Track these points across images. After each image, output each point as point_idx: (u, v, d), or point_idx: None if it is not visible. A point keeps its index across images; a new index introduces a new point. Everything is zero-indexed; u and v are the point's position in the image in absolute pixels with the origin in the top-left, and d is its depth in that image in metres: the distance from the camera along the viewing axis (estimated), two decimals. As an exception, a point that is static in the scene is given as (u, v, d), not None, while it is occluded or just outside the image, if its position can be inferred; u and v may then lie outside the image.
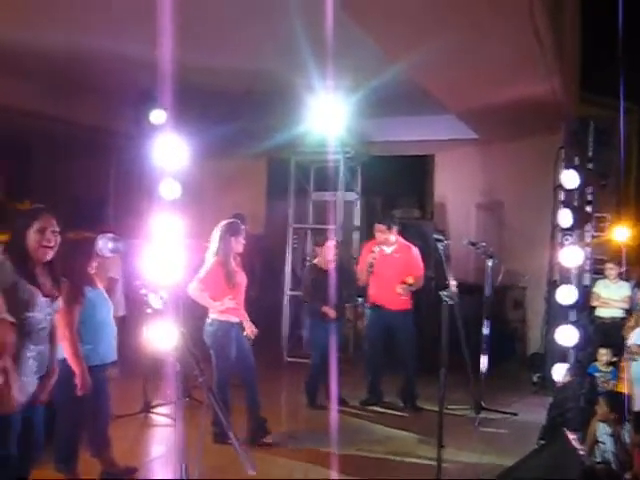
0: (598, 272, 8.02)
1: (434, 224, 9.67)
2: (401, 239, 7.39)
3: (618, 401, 5.33)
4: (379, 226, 7.24)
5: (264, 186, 11.61)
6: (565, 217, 7.21)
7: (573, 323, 7.14)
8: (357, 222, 9.84)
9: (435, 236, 5.58)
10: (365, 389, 7.34)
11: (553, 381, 7.17)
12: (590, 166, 7.60)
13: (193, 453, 2.68)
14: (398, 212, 10.33)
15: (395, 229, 7.27)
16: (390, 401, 7.30)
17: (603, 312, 7.75)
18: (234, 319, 5.83)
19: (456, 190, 10.68)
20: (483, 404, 6.88)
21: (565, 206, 7.31)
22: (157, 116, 7.16)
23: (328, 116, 7.90)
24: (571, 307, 7.19)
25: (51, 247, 3.76)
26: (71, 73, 7.58)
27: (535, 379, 8.18)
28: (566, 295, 7.18)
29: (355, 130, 9.05)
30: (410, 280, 7.15)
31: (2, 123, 8.24)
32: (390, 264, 7.20)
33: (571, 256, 7.15)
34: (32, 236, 3.69)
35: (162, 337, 6.21)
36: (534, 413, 6.71)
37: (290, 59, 6.59)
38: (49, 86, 8.00)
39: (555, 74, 7.03)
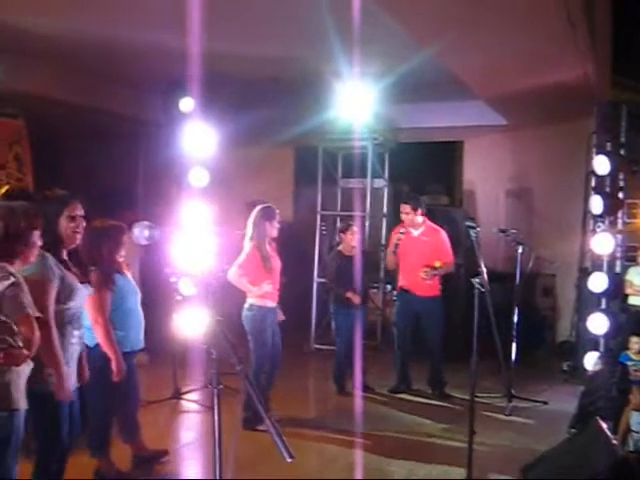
0: (630, 259, 7.90)
1: (464, 211, 9.60)
2: (429, 222, 7.24)
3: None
4: (404, 206, 7.11)
5: (292, 173, 11.61)
6: (596, 203, 7.15)
7: (604, 311, 7.09)
8: (385, 209, 9.80)
9: (467, 223, 5.52)
10: (393, 376, 7.33)
11: (584, 369, 7.13)
12: (622, 152, 7.50)
13: (227, 440, 2.69)
14: (426, 199, 10.29)
15: (421, 210, 7.09)
16: (419, 389, 7.28)
17: (636, 300, 7.62)
18: (271, 304, 5.90)
19: (485, 177, 10.59)
20: (513, 392, 6.84)
21: (596, 192, 7.24)
22: (186, 104, 7.20)
23: (356, 103, 7.88)
24: (602, 295, 7.14)
25: (80, 232, 3.81)
26: (101, 62, 7.62)
27: (565, 367, 8.11)
28: (597, 283, 7.12)
29: (383, 116, 9.01)
30: (437, 264, 6.98)
31: (33, 112, 8.31)
32: (417, 247, 7.07)
33: (603, 243, 7.09)
34: (64, 223, 3.73)
35: (192, 324, 6.30)
36: (564, 402, 6.65)
37: (318, 46, 6.56)
38: (79, 75, 8.05)
39: (587, 58, 6.93)
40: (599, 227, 7.13)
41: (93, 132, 9.70)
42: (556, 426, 5.92)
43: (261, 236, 5.84)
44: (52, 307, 3.50)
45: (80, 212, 3.80)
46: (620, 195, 7.57)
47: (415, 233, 7.14)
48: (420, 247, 7.07)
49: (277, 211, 5.98)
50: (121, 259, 4.69)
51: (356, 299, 6.99)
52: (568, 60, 6.86)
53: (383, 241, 9.31)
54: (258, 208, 5.91)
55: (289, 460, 2.08)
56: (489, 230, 7.42)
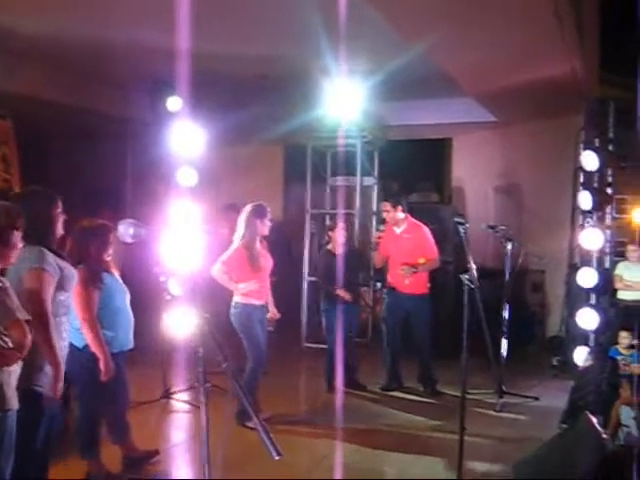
0: (619, 254, 7.93)
1: (453, 208, 9.60)
2: (411, 218, 7.19)
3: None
4: (384, 204, 7.17)
5: (281, 172, 11.59)
6: (585, 199, 7.17)
7: (593, 306, 7.11)
8: (375, 207, 9.79)
9: (456, 219, 5.52)
10: (384, 374, 7.32)
11: (574, 365, 7.16)
12: (610, 147, 7.53)
13: (217, 439, 2.68)
14: (416, 196, 10.29)
15: (401, 207, 7.06)
16: (411, 386, 7.28)
17: (625, 295, 7.66)
18: (257, 302, 5.86)
19: (474, 173, 10.61)
20: (504, 388, 6.85)
21: (585, 188, 7.26)
22: (173, 103, 7.18)
23: (344, 100, 7.87)
24: (591, 290, 7.17)
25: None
26: (88, 62, 7.59)
27: (555, 362, 8.13)
28: (587, 278, 7.15)
29: (372, 114, 9.00)
30: (421, 261, 6.95)
31: (20, 112, 8.27)
32: (400, 245, 7.07)
33: (591, 238, 7.11)
34: (57, 216, 3.75)
35: (181, 323, 6.27)
36: (555, 397, 6.66)
37: (305, 44, 6.55)
38: (66, 75, 8.01)
39: (575, 54, 6.94)
40: (588, 222, 7.15)
41: (81, 132, 9.66)
42: (547, 421, 5.93)
43: (252, 234, 5.81)
44: (49, 302, 3.50)
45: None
46: (608, 191, 7.60)
47: (398, 230, 7.14)
48: (403, 244, 7.06)
49: (268, 209, 5.95)
50: (108, 258, 4.66)
51: (346, 296, 6.98)
52: (556, 56, 6.88)
53: (373, 239, 9.30)
54: (250, 206, 5.88)
55: (277, 458, 2.07)
56: (478, 227, 7.41)
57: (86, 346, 4.39)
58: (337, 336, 7.03)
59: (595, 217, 7.20)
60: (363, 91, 7.78)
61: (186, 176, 7.11)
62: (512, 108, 9.15)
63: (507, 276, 7.21)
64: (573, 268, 8.04)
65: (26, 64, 7.47)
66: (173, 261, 6.67)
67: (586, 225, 7.16)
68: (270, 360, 6.15)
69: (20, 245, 3.31)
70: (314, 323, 9.18)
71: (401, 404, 6.82)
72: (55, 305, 3.59)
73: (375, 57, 7.05)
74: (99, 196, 9.05)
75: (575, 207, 8.12)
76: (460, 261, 6.38)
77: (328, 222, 9.56)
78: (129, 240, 5.23)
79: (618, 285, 7.62)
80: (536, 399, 6.93)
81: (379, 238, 7.21)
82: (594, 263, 7.28)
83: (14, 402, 3.21)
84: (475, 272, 4.87)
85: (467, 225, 5.51)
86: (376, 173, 9.78)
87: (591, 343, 7.13)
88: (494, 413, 6.50)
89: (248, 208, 5.87)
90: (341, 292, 6.98)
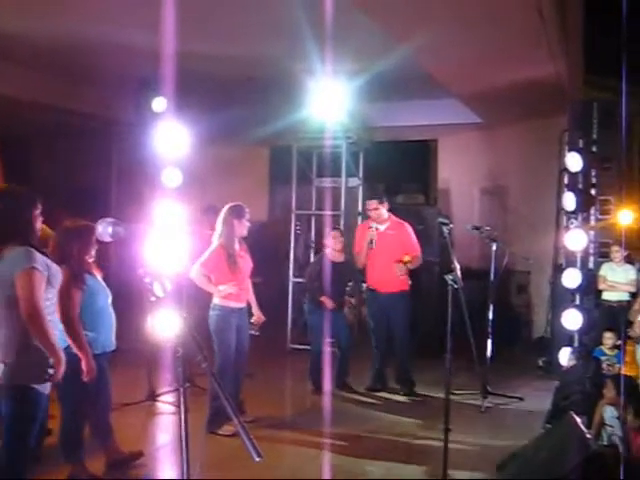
0: (603, 255, 7.96)
1: (438, 209, 9.63)
2: (393, 217, 7.21)
3: (626, 385, 5.30)
4: (371, 202, 7.12)
5: (266, 173, 11.58)
6: (569, 200, 7.19)
7: (578, 307, 7.13)
8: (360, 208, 9.78)
9: (440, 220, 5.54)
10: (371, 375, 7.31)
11: (559, 365, 7.18)
12: (594, 149, 7.56)
13: (197, 441, 2.66)
14: (402, 197, 10.31)
15: (386, 205, 7.12)
16: (396, 387, 7.27)
17: (609, 295, 7.70)
18: (235, 304, 5.75)
19: (460, 175, 10.65)
20: (489, 389, 6.86)
21: (569, 189, 7.28)
22: (158, 104, 7.12)
23: (329, 101, 7.86)
24: (576, 290, 7.19)
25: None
26: (71, 62, 7.56)
27: (540, 363, 8.17)
28: (571, 279, 7.17)
29: (357, 115, 9.00)
30: (407, 258, 6.95)
31: (2, 113, 8.21)
32: (384, 242, 7.02)
33: (576, 239, 7.13)
34: (37, 216, 3.72)
35: (166, 325, 6.22)
36: (540, 397, 6.68)
37: (290, 44, 6.55)
38: (50, 75, 7.98)
39: (559, 56, 6.99)
40: (572, 224, 7.17)
41: (65, 132, 9.60)
42: (532, 422, 5.95)
43: (229, 235, 5.74)
44: (42, 300, 3.50)
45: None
46: (592, 192, 7.63)
47: (381, 228, 7.09)
48: (387, 242, 7.03)
49: (246, 210, 5.86)
50: (91, 259, 4.64)
51: (330, 304, 6.97)
52: (540, 58, 6.92)
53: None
54: (227, 206, 5.83)
55: (257, 459, 2.06)
56: (464, 228, 7.43)
57: (68, 346, 4.36)
58: (321, 339, 7.03)
59: (579, 218, 7.23)
60: (348, 92, 7.78)
61: (171, 177, 7.07)
62: (497, 109, 9.19)
63: (492, 277, 7.23)
64: (558, 269, 8.07)
65: (9, 65, 7.42)
66: (157, 262, 6.63)
67: (570, 226, 7.19)
68: (255, 361, 6.11)
69: None
70: (300, 324, 9.17)
71: (386, 405, 6.82)
72: (46, 303, 3.59)
73: (360, 58, 7.06)
74: (83, 196, 9.00)
75: (560, 208, 8.15)
76: (445, 262, 6.39)
77: (314, 223, 9.55)
78: (108, 239, 5.20)
79: (602, 286, 7.66)
80: (521, 399, 6.95)
81: (374, 236, 7.01)
82: (578, 264, 7.31)
83: None
84: (459, 272, 4.88)
85: (451, 226, 5.53)
86: (361, 174, 9.77)
87: (576, 343, 7.15)
88: (479, 414, 6.51)
89: (225, 208, 5.80)
90: (325, 299, 6.97)
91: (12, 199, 3.71)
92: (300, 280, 8.99)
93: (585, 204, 7.35)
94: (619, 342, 6.63)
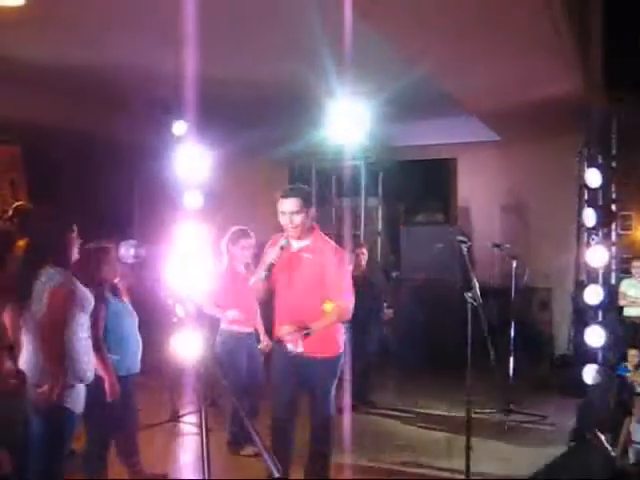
0: (625, 271, 7.92)
1: (458, 227, 9.62)
2: (321, 233, 4.53)
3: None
4: (285, 201, 4.38)
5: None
6: (590, 216, 7.16)
7: (601, 323, 7.08)
8: (380, 228, 9.81)
9: (458, 238, 5.53)
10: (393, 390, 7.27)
11: (582, 382, 7.11)
12: (613, 164, 7.54)
13: (219, 461, 2.69)
14: (422, 216, 10.32)
15: (312, 211, 4.46)
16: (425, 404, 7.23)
17: (631, 311, 7.65)
18: (243, 329, 5.68)
19: (479, 193, 10.64)
20: (512, 407, 6.82)
21: (589, 205, 7.25)
22: (179, 127, 7.23)
23: (349, 122, 7.90)
24: (598, 307, 7.12)
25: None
26: (96, 89, 7.69)
27: (563, 381, 8.09)
28: (593, 295, 7.11)
29: (376, 135, 9.04)
30: (328, 307, 4.28)
31: (29, 139, 8.37)
32: (295, 270, 4.37)
33: (597, 255, 7.08)
34: (73, 239, 3.81)
35: (188, 346, 6.26)
36: (563, 415, 6.64)
37: (309, 66, 6.61)
38: (75, 101, 8.11)
39: (578, 72, 6.99)
40: (593, 240, 7.14)
41: (89, 157, 9.74)
42: (556, 440, 5.90)
43: (229, 259, 5.72)
44: (65, 317, 3.58)
45: None
46: (613, 207, 7.60)
47: (295, 246, 4.42)
48: (300, 270, 4.36)
49: (246, 233, 5.74)
50: (116, 280, 4.69)
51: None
52: (559, 75, 6.93)
53: (378, 259, 9.31)
54: (229, 232, 5.82)
55: (277, 476, 2.08)
56: (484, 245, 7.42)
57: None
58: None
59: (600, 234, 7.20)
60: (367, 112, 7.83)
61: (192, 199, 7.16)
62: (516, 127, 9.19)
63: (513, 294, 7.21)
64: (580, 285, 8.03)
65: (34, 92, 7.57)
66: (179, 283, 6.69)
67: (591, 242, 7.15)
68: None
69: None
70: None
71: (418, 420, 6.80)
72: (79, 326, 3.69)
73: (379, 79, 7.10)
74: (106, 220, 9.10)
75: (580, 224, 8.12)
76: (465, 280, 6.37)
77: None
78: (131, 261, 5.27)
79: (622, 302, 7.61)
80: (544, 417, 6.90)
81: (277, 258, 4.30)
82: (600, 280, 7.27)
83: None
84: (478, 290, 4.88)
85: (469, 243, 5.53)
86: (380, 194, 9.81)
87: (599, 361, 7.09)
88: (502, 432, 6.47)
89: (228, 234, 5.77)
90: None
91: (49, 222, 3.79)
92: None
93: (605, 220, 7.32)
94: (643, 359, 6.57)
